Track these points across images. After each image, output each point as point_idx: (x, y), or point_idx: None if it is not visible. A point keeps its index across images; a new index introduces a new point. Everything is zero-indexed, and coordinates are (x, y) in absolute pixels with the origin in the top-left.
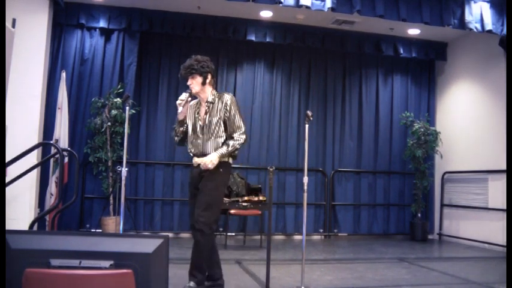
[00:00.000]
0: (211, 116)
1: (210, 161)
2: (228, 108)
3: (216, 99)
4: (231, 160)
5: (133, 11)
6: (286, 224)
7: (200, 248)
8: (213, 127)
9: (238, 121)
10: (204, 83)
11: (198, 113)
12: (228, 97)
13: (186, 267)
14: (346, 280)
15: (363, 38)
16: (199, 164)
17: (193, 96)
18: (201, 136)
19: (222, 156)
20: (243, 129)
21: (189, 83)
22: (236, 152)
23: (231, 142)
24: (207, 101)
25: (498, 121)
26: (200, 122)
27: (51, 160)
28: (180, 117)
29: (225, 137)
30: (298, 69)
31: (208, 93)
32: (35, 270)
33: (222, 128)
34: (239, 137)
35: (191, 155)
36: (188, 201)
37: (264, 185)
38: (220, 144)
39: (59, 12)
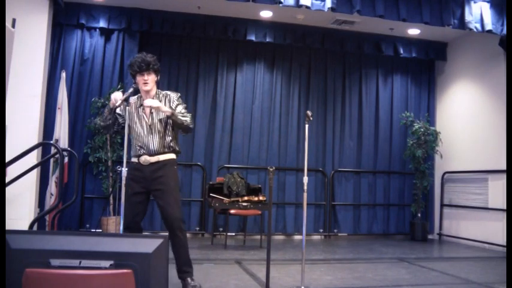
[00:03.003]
0: (158, 114)
1: (158, 106)
2: (171, 103)
3: (162, 98)
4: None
5: (133, 11)
6: (286, 224)
7: (183, 243)
8: (160, 126)
9: (184, 110)
10: (156, 81)
11: (142, 110)
12: (173, 94)
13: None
14: (346, 280)
15: (363, 38)
16: (151, 163)
17: (133, 93)
18: (149, 135)
19: (173, 115)
20: (190, 117)
21: (145, 78)
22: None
23: (184, 117)
24: None
25: (498, 121)
26: (146, 121)
27: (51, 160)
28: (112, 105)
29: (171, 137)
30: (298, 69)
31: (154, 92)
32: (35, 270)
33: (170, 127)
34: (188, 116)
35: (140, 153)
36: (129, 199)
37: (264, 185)
38: (170, 143)
39: (58, 12)
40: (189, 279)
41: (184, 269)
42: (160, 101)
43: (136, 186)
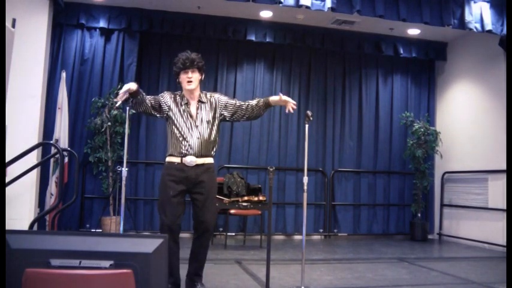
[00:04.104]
0: (204, 116)
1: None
2: (218, 103)
3: (207, 100)
4: None
5: (133, 11)
6: (286, 224)
7: (207, 247)
8: (207, 127)
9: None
10: (200, 81)
11: (188, 112)
12: (217, 95)
13: (186, 267)
14: (346, 280)
15: (363, 38)
16: (197, 164)
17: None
18: (196, 136)
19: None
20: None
21: (189, 75)
22: None
23: (252, 101)
24: (199, 100)
25: (498, 121)
26: (192, 121)
27: (51, 160)
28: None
29: (215, 141)
30: (298, 69)
31: (198, 92)
32: (35, 270)
33: (216, 128)
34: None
35: (186, 153)
36: (170, 201)
37: (264, 185)
38: (213, 147)
39: (59, 12)
40: (199, 285)
41: (199, 273)
42: (206, 103)
43: (177, 187)
